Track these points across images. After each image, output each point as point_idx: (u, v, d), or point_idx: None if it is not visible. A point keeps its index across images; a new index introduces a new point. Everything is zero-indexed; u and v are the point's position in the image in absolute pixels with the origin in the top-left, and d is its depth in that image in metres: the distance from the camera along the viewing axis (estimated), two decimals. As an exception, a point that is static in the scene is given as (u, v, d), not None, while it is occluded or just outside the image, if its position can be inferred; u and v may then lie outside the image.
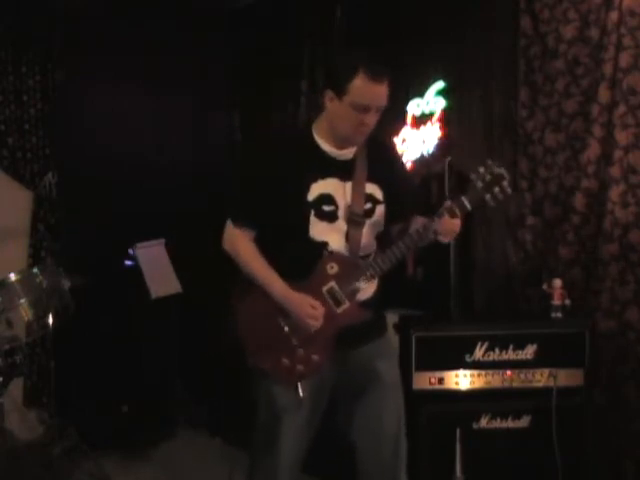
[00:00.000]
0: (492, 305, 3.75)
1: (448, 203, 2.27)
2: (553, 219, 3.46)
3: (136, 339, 4.40)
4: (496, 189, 2.27)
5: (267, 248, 2.37)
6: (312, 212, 2.31)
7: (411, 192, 2.59)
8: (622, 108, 3.14)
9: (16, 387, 4.09)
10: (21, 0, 4.26)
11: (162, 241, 4.23)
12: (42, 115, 4.39)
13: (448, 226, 2.26)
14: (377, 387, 2.42)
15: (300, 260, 2.31)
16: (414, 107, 4.06)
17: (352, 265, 2.32)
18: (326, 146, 2.36)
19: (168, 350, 4.51)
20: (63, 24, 4.40)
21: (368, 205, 2.38)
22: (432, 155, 3.97)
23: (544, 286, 3.21)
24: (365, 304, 2.37)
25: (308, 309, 2.28)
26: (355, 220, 2.34)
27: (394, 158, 2.66)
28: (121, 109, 4.61)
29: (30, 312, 3.38)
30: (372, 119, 2.28)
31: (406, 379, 3.02)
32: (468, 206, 2.27)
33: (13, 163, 4.33)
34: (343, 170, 2.35)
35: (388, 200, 2.42)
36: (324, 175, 2.33)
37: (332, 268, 2.31)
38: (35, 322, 3.41)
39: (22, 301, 3.35)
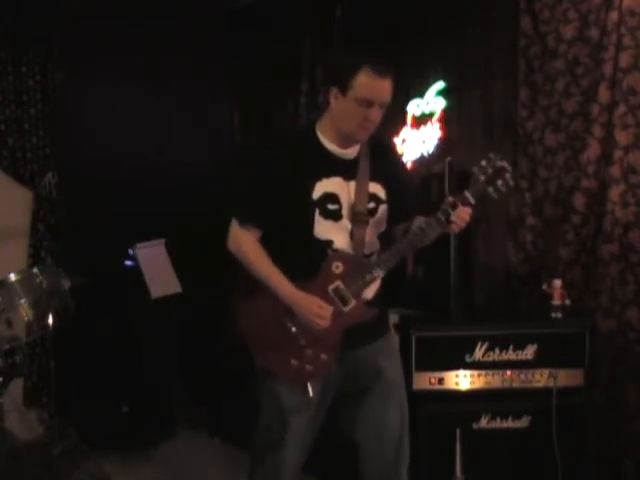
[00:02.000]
0: (492, 305, 3.75)
1: (450, 199, 2.25)
2: (553, 219, 3.46)
3: (136, 339, 4.40)
4: (499, 182, 2.25)
5: (272, 248, 2.36)
6: (317, 211, 2.31)
7: (413, 192, 2.60)
8: (622, 108, 3.14)
9: (16, 387, 4.09)
10: (21, 0, 4.26)
11: (162, 241, 4.22)
12: (42, 115, 4.39)
13: (462, 214, 2.24)
14: (381, 386, 2.42)
15: (305, 259, 2.31)
16: (414, 107, 4.06)
17: (357, 263, 2.32)
18: (330, 145, 2.37)
19: (168, 350, 4.50)
20: (63, 24, 4.40)
21: (371, 204, 2.39)
22: (432, 155, 3.97)
23: (544, 286, 3.21)
24: (370, 302, 2.38)
25: (316, 309, 2.27)
26: (359, 219, 2.35)
27: (396, 159, 2.70)
28: (121, 109, 4.61)
29: (30, 312, 3.38)
30: (375, 115, 2.29)
31: (406, 379, 3.02)
32: (472, 200, 2.25)
33: (13, 163, 4.33)
34: (347, 169, 2.36)
35: (391, 200, 2.43)
36: (328, 174, 2.34)
37: (337, 267, 2.31)
38: (35, 322, 3.41)
39: (22, 301, 3.35)
